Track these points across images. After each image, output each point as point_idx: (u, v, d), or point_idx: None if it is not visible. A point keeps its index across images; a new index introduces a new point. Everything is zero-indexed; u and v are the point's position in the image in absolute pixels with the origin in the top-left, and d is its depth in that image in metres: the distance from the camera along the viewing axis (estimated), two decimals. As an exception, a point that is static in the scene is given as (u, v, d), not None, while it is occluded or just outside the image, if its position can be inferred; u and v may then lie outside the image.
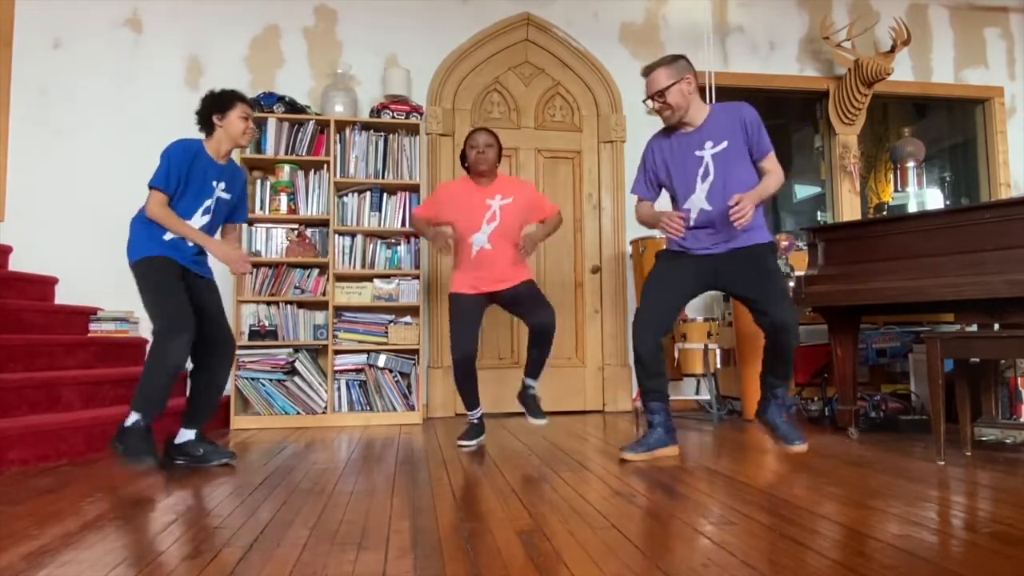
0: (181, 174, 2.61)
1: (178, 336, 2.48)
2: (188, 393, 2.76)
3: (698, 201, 2.71)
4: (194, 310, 2.61)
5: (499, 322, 3.25)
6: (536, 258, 4.55)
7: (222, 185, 2.76)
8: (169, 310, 2.52)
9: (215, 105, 2.74)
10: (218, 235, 2.85)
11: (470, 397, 3.18)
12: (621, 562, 1.49)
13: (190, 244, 2.67)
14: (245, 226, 4.03)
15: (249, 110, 2.79)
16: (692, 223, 2.73)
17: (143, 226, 2.62)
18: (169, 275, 2.58)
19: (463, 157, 3.22)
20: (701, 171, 2.69)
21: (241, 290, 3.98)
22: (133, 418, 2.46)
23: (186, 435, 2.67)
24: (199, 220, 2.68)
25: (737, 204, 2.49)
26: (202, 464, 2.62)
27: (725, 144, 2.66)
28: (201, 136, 2.76)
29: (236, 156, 3.95)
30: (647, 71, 2.72)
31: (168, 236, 2.62)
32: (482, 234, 3.09)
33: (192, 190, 2.66)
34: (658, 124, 4.70)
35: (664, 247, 2.91)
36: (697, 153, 2.70)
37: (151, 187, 2.59)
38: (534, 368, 3.16)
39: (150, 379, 2.48)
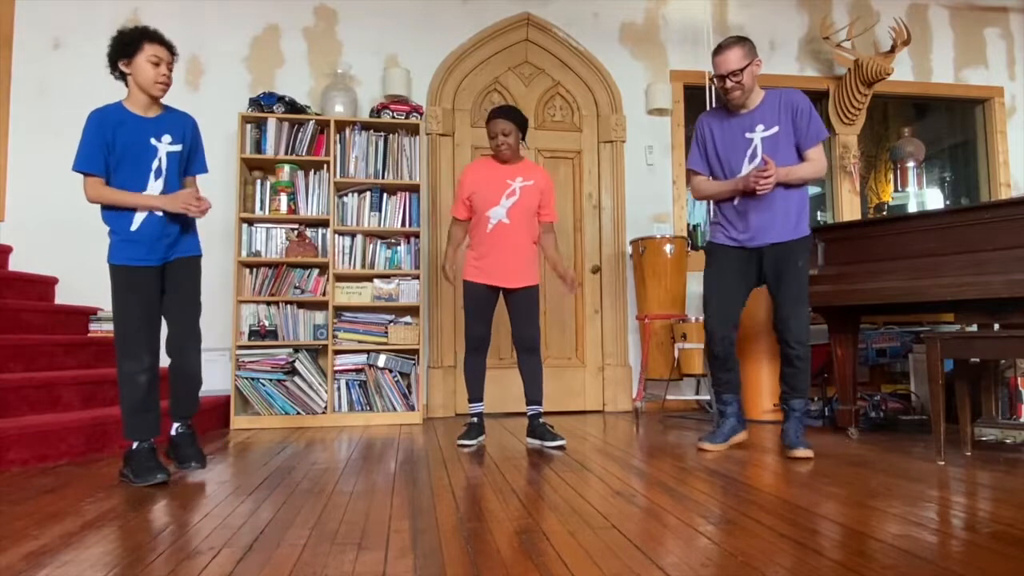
0: (105, 145, 2.35)
1: (136, 360, 2.39)
2: (169, 380, 2.62)
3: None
4: (164, 304, 2.52)
5: (500, 323, 3.24)
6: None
7: (167, 139, 2.46)
8: (127, 332, 2.39)
9: (120, 49, 2.38)
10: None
11: (475, 388, 3.20)
12: (621, 562, 1.49)
13: (158, 220, 2.43)
14: (245, 225, 4.03)
15: (162, 51, 2.40)
16: (736, 204, 2.80)
17: (109, 222, 2.42)
18: (134, 291, 2.40)
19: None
20: (749, 152, 2.76)
21: (241, 290, 3.98)
22: (133, 445, 2.40)
23: (174, 426, 2.62)
24: (154, 187, 2.44)
25: (767, 167, 2.57)
26: (178, 464, 2.57)
27: (776, 129, 2.72)
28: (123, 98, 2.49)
29: (233, 150, 4.00)
30: (719, 50, 2.73)
31: (135, 226, 2.40)
32: (500, 208, 3.11)
33: (130, 157, 2.39)
34: (655, 125, 4.75)
35: (710, 238, 2.96)
36: (747, 135, 2.76)
37: (77, 171, 2.36)
38: (532, 389, 3.16)
39: (124, 404, 2.40)
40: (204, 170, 2.67)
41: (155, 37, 2.41)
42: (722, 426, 2.95)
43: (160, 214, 2.45)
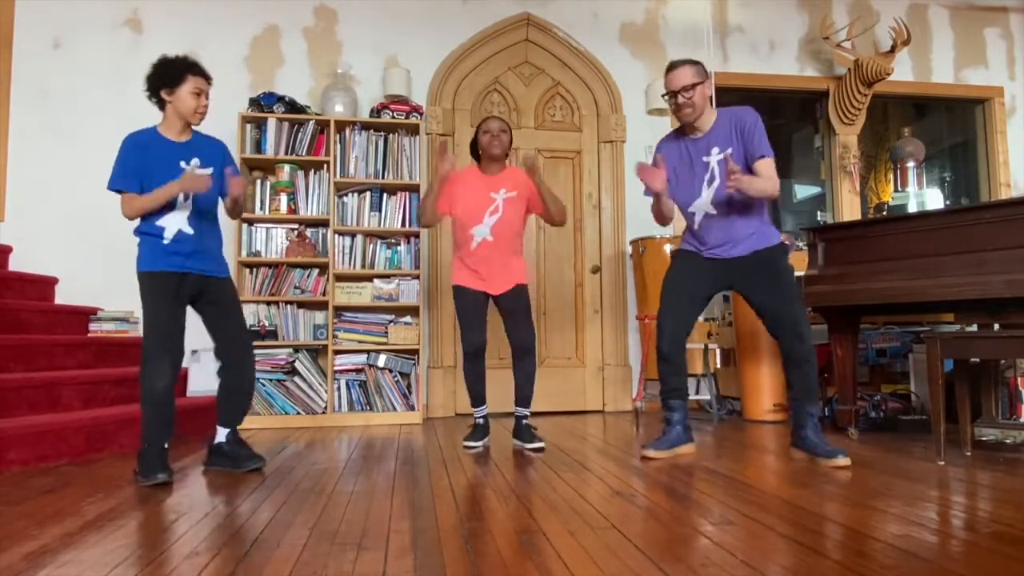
0: (137, 167, 2.45)
1: (156, 363, 2.44)
2: (217, 390, 2.71)
3: (703, 205, 2.74)
4: (209, 324, 2.64)
5: (498, 322, 3.24)
6: (536, 258, 4.55)
7: (195, 162, 2.56)
8: (152, 333, 2.46)
9: (163, 77, 2.49)
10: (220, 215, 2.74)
11: (477, 393, 3.19)
12: (621, 562, 1.49)
13: (189, 238, 2.53)
14: (245, 225, 4.04)
15: (203, 83, 2.53)
16: (696, 226, 2.78)
17: (143, 236, 2.52)
18: (161, 296, 2.48)
19: (474, 145, 3.22)
20: (707, 176, 2.72)
21: (241, 290, 3.97)
22: (145, 445, 2.45)
23: (221, 434, 2.65)
24: (184, 206, 2.53)
25: (735, 175, 2.49)
26: (235, 469, 2.58)
27: (730, 151, 2.68)
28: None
29: (233, 150, 3.99)
30: (673, 67, 2.73)
31: (167, 240, 2.50)
32: (484, 226, 3.08)
33: (160, 179, 2.47)
34: (655, 125, 4.75)
35: (679, 246, 2.94)
36: (704, 159, 2.73)
37: (112, 190, 2.47)
38: (522, 395, 3.13)
39: (143, 408, 2.47)
40: (237, 173, 2.75)
41: (199, 70, 2.53)
42: (668, 433, 2.82)
43: (191, 232, 2.56)
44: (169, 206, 2.50)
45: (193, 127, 2.62)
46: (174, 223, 2.53)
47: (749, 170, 2.65)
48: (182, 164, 2.54)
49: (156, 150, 2.51)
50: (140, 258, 2.52)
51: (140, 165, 2.47)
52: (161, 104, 2.54)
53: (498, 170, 3.16)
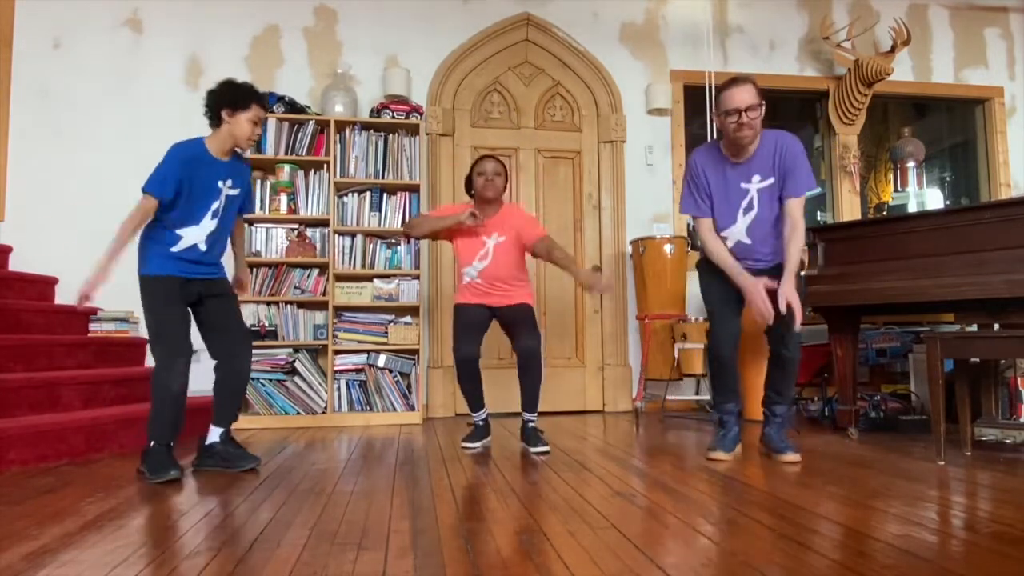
0: (182, 179, 2.47)
1: (172, 364, 2.46)
2: (212, 388, 2.69)
3: (737, 233, 2.69)
4: (203, 319, 2.65)
5: (494, 333, 3.23)
6: (536, 260, 4.54)
7: (229, 183, 2.62)
8: (163, 337, 2.48)
9: (229, 98, 2.53)
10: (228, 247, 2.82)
11: (473, 399, 3.16)
12: (621, 562, 1.49)
13: (199, 249, 2.58)
14: (245, 225, 4.02)
15: (263, 113, 2.61)
16: (730, 246, 2.72)
17: (149, 238, 2.53)
18: (169, 298, 2.50)
19: (468, 183, 3.17)
20: (745, 204, 2.64)
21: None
22: (152, 444, 2.47)
23: (214, 434, 2.64)
24: (208, 224, 2.58)
25: (793, 308, 2.48)
26: (228, 469, 2.57)
27: (772, 180, 2.61)
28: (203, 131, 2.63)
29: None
30: (736, 82, 2.55)
31: (176, 248, 2.53)
32: (472, 268, 3.10)
33: (198, 195, 2.53)
34: (655, 125, 4.75)
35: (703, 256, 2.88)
36: (743, 185, 2.63)
37: (144, 191, 2.46)
38: (528, 400, 3.09)
39: (155, 407, 2.48)
40: (254, 210, 2.85)
41: (263, 100, 2.61)
42: (728, 434, 2.82)
43: (203, 248, 2.61)
44: (195, 220, 2.55)
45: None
46: (192, 236, 2.57)
47: (779, 200, 2.61)
48: (219, 184, 2.60)
49: (202, 166, 2.54)
50: (145, 261, 2.53)
51: (183, 179, 2.48)
52: (217, 121, 2.58)
53: (492, 213, 3.10)
